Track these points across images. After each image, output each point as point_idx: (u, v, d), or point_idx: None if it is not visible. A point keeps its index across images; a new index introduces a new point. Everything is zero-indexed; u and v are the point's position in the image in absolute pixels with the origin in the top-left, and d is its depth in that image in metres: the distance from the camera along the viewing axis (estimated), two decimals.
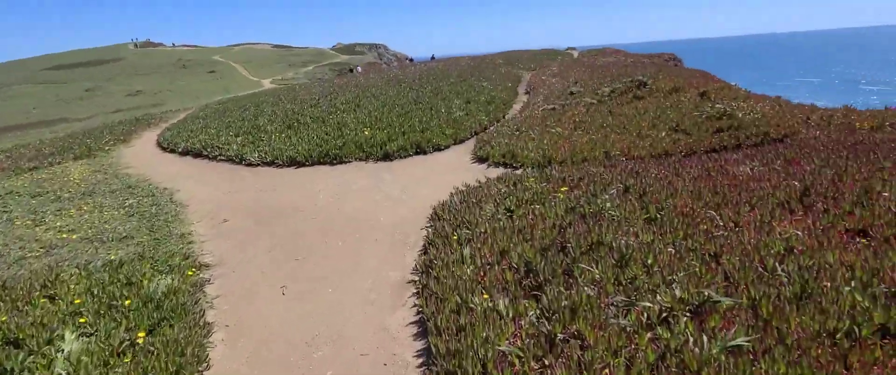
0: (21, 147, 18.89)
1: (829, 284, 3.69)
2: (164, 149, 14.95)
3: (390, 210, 7.24)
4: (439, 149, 11.08)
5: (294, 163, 10.71)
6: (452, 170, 9.34)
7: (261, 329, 4.49)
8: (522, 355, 3.38)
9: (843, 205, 5.13)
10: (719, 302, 3.60)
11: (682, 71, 15.52)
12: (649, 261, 4.30)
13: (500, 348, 3.49)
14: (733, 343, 3.10)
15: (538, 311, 3.89)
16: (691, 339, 3.22)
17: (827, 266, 4.02)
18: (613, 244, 4.69)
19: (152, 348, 4.10)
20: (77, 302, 4.85)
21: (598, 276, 4.19)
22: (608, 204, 5.79)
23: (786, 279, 3.87)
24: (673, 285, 3.89)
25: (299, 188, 8.86)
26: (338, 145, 10.95)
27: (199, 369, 4.02)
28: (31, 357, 3.96)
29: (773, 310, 3.45)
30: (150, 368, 3.83)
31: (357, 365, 3.89)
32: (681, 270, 4.11)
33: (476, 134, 12.50)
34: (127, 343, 4.18)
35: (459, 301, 4.22)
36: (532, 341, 3.49)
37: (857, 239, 4.50)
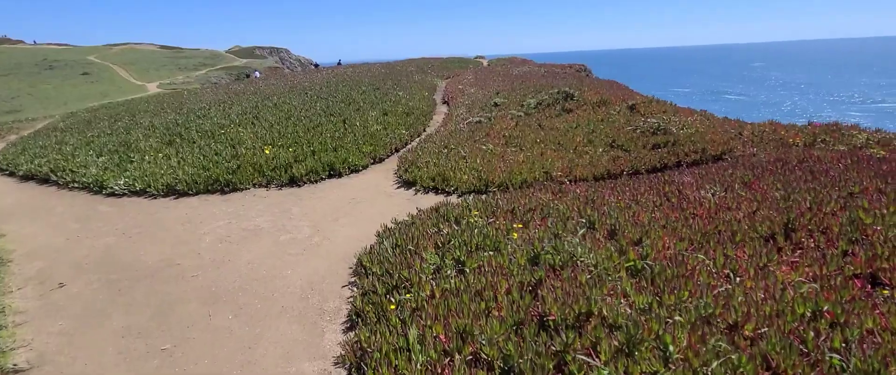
0: None
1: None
2: (1, 171, 11.84)
3: (300, 259, 5.63)
4: (356, 171, 9.54)
5: (173, 192, 8.58)
6: (375, 199, 7.87)
7: None
8: None
9: (839, 243, 4.47)
10: None
11: (602, 83, 15.33)
12: (666, 341, 3.22)
13: None
14: None
15: None
16: None
17: (871, 338, 3.20)
18: (608, 314, 3.57)
19: None
20: None
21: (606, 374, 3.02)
22: (579, 249, 4.71)
23: (840, 364, 2.97)
24: None
25: (177, 229, 6.89)
26: (231, 168, 8.98)
27: None
28: None
29: None
30: None
31: None
32: (710, 358, 3.06)
33: (397, 151, 11.12)
34: None
35: None
36: None
37: (877, 290, 3.79)
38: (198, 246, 6.16)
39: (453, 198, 7.68)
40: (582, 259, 4.57)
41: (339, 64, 50.24)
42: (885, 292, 3.78)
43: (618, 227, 5.27)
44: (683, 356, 3.11)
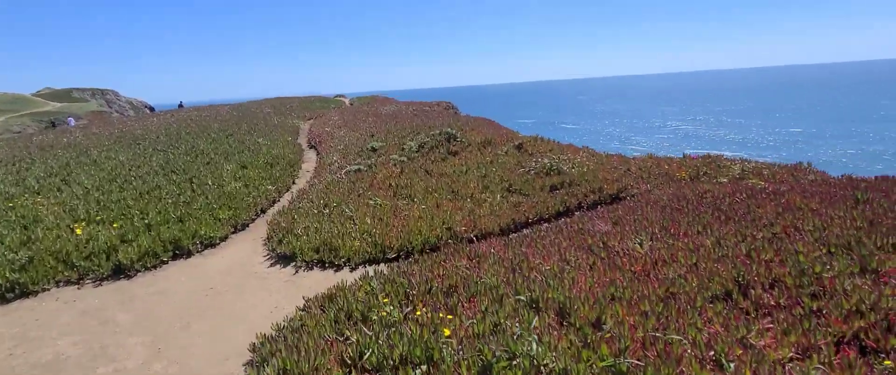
0: None
1: None
2: None
3: None
4: (213, 245, 7.50)
5: None
6: (243, 284, 6.04)
7: None
8: None
9: (804, 301, 4.04)
10: None
11: (478, 121, 15.04)
12: None
13: None
14: None
15: None
16: None
17: None
18: None
19: None
20: None
21: None
22: (535, 346, 3.64)
23: None
24: None
25: None
26: (18, 262, 6.35)
27: None
28: None
29: None
30: None
31: None
32: None
33: (264, 212, 9.24)
34: None
35: None
36: None
37: (874, 360, 3.31)
38: None
39: (346, 274, 6.21)
40: (545, 362, 3.50)
41: (180, 106, 44.91)
42: (888, 363, 3.30)
43: (567, 305, 4.34)
44: None
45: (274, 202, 9.85)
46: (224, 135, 17.43)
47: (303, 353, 3.92)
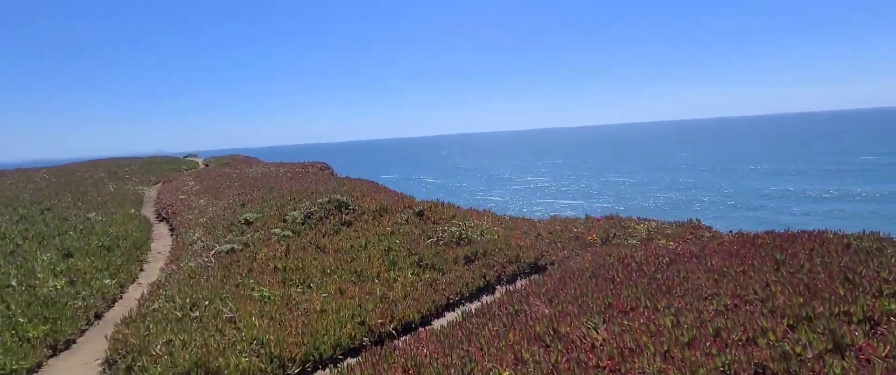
0: None
1: None
2: None
3: None
4: None
5: None
6: None
7: None
8: None
9: None
10: None
11: (366, 185, 13.90)
12: None
13: None
14: None
15: None
16: None
17: None
18: None
19: None
20: None
21: None
22: None
23: None
24: None
25: None
26: None
27: None
28: None
29: None
30: None
31: None
32: None
33: (99, 318, 6.93)
34: None
35: None
36: None
37: None
38: None
39: None
40: None
41: None
42: None
43: None
44: None
45: (115, 302, 7.52)
46: (39, 209, 13.78)
47: None
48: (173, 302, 6.60)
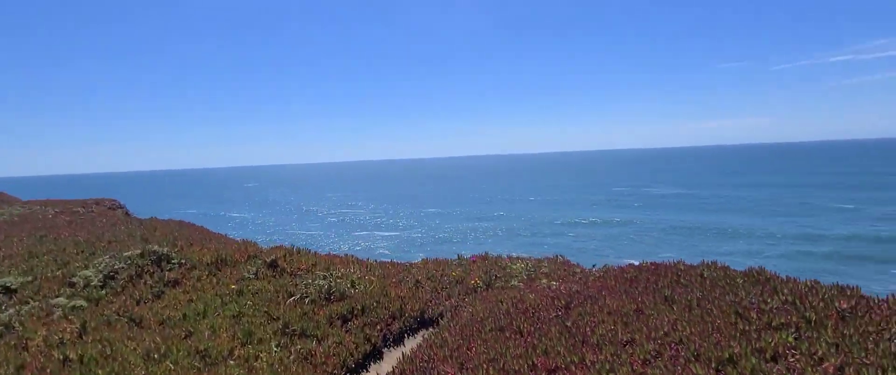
0: None
1: None
2: None
3: None
4: None
5: None
6: None
7: None
8: None
9: None
10: None
11: (185, 228, 11.25)
12: None
13: None
14: None
15: None
16: None
17: None
18: None
19: None
20: None
21: None
22: None
23: None
24: None
25: None
26: None
27: None
28: None
29: None
30: None
31: None
32: None
33: None
34: None
35: None
36: None
37: None
38: None
39: None
40: None
41: None
42: None
43: None
44: None
45: None
46: None
47: None
48: None
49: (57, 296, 6.99)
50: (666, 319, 5.62)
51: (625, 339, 5.33)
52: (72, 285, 7.37)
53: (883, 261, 38.25)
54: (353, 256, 9.28)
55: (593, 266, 8.64)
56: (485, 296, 7.33)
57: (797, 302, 5.63)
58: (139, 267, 7.78)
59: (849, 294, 5.94)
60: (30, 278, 7.66)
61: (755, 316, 5.32)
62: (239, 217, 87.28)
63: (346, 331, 6.46)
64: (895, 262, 37.78)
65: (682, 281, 7.19)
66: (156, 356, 5.61)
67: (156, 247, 8.07)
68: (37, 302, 6.88)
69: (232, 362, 5.61)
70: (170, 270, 7.80)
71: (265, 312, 6.70)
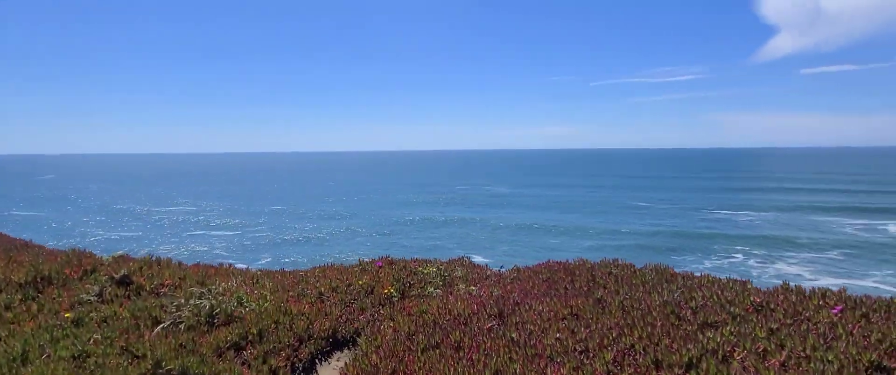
0: None
1: None
2: None
3: None
4: None
5: None
6: None
7: None
8: None
9: None
10: None
11: None
12: None
13: None
14: None
15: None
16: None
17: None
18: None
19: None
20: None
21: None
22: None
23: None
24: None
25: None
26: None
27: None
28: None
29: None
30: None
31: None
32: None
33: None
34: None
35: None
36: None
37: None
38: None
39: None
40: None
41: None
42: None
43: None
44: None
45: None
46: None
47: None
48: None
49: None
50: (607, 323, 5.50)
51: (578, 348, 5.04)
52: None
53: (671, 250, 46.22)
54: (230, 265, 7.63)
55: (501, 267, 8.40)
56: (402, 307, 6.53)
57: (715, 297, 5.96)
58: None
59: (749, 287, 6.51)
60: None
61: (691, 316, 5.45)
62: (25, 215, 71.42)
63: (243, 364, 5.13)
64: (679, 251, 45.88)
65: (598, 280, 7.27)
66: None
67: None
68: None
69: None
70: None
71: (123, 348, 4.99)
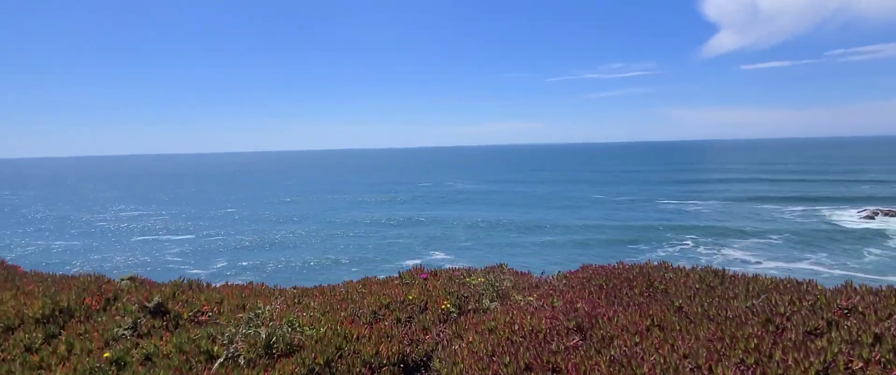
0: None
1: None
2: None
3: None
4: None
5: None
6: None
7: None
8: None
9: None
10: None
11: None
12: None
13: None
14: None
15: None
16: None
17: None
18: None
19: None
20: None
21: None
22: None
23: None
24: None
25: None
26: None
27: None
28: None
29: None
30: None
31: None
32: None
33: None
34: None
35: None
36: None
37: None
38: None
39: None
40: None
41: None
42: None
43: None
44: None
45: None
46: None
47: None
48: None
49: None
50: (701, 335, 5.27)
51: (687, 365, 4.77)
52: None
53: (628, 241, 47.57)
54: (263, 284, 6.88)
55: (542, 273, 8.08)
56: (466, 324, 6.07)
57: (796, 301, 5.85)
58: None
59: (819, 288, 6.45)
60: None
61: (787, 323, 5.30)
62: None
63: None
64: (635, 242, 47.31)
65: (655, 284, 7.08)
66: None
67: None
68: None
69: None
70: None
71: None
